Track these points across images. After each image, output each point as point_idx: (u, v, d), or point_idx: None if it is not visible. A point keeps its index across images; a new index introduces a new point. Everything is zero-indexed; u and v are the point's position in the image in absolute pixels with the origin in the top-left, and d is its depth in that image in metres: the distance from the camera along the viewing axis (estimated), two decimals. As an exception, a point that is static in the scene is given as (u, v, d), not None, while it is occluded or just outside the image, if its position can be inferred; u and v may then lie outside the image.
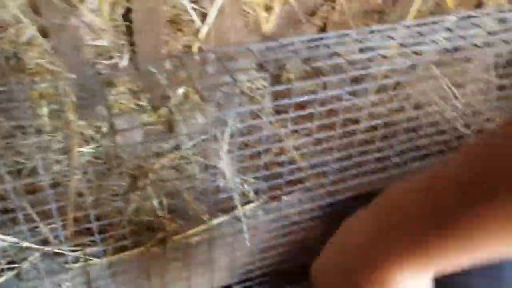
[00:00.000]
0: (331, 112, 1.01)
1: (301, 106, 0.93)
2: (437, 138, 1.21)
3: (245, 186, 1.11)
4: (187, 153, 1.07)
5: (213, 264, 1.12)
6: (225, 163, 0.99)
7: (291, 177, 1.10)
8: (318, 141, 1.06)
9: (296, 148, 1.08)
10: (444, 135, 1.21)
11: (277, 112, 0.98)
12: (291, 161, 1.09)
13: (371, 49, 0.79)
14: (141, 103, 0.75)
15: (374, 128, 1.10)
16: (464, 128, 1.45)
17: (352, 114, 1.03)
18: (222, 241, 1.08)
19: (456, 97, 1.40)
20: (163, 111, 0.86)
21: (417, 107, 1.19)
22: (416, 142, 1.13)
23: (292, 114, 0.92)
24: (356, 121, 1.06)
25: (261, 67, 0.71)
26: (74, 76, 0.66)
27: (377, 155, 1.12)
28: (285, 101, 0.90)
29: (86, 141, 0.78)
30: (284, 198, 1.13)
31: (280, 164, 1.09)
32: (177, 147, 0.94)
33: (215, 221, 1.06)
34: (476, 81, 1.39)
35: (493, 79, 1.37)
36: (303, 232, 1.19)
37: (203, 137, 0.88)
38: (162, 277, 1.08)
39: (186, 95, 1.00)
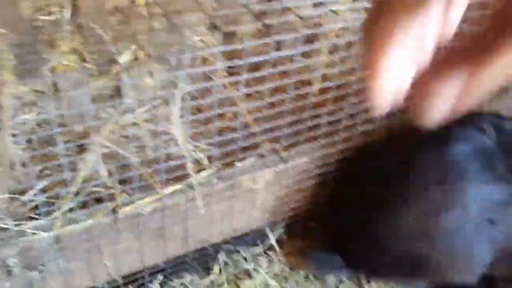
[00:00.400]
0: (284, 74, 1.00)
1: (254, 67, 0.91)
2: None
3: (198, 152, 1.08)
4: (137, 119, 1.02)
5: (166, 234, 1.09)
6: (176, 129, 0.96)
7: (245, 143, 1.09)
8: (271, 105, 1.05)
9: (249, 112, 1.07)
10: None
11: (229, 74, 0.95)
12: (244, 126, 1.07)
13: (323, 4, 0.78)
14: (87, 64, 0.70)
15: (326, 90, 1.09)
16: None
17: (305, 76, 1.02)
18: (175, 210, 1.05)
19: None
20: (110, 72, 0.81)
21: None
22: (367, 104, 1.14)
23: (245, 75, 0.90)
24: (308, 83, 1.06)
25: (212, 23, 0.68)
26: (10, 33, 0.61)
27: (329, 118, 1.12)
28: (238, 61, 0.87)
29: (27, 106, 0.73)
30: (238, 164, 1.12)
31: (233, 129, 1.07)
32: (126, 112, 0.90)
33: (167, 190, 1.03)
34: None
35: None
36: (260, 198, 1.18)
37: (154, 102, 0.85)
38: (113, 249, 1.04)
39: (134, 55, 0.95)
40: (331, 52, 1.14)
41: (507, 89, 1.44)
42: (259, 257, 1.29)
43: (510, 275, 1.22)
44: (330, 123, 1.12)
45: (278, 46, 0.91)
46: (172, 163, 1.02)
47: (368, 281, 1.27)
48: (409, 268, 1.13)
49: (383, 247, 1.12)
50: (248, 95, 1.04)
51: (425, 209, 1.06)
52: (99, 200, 0.99)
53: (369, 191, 1.13)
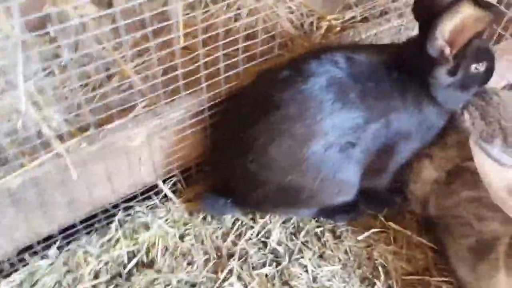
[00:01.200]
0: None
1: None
2: (270, 40, 1.25)
3: (63, 120, 1.10)
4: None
5: (48, 204, 1.12)
6: (23, 97, 0.97)
7: (111, 100, 1.10)
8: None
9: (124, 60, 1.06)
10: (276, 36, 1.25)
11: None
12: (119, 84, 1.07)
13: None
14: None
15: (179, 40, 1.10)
16: (297, 27, 1.51)
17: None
18: (47, 180, 1.07)
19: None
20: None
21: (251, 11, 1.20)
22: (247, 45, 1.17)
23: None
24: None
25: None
26: None
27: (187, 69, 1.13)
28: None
29: None
30: (108, 126, 1.13)
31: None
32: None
33: (35, 162, 1.05)
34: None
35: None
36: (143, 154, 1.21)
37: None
38: (-4, 226, 1.07)
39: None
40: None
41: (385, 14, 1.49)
42: (156, 209, 1.34)
43: (383, 184, 1.31)
44: (188, 73, 1.13)
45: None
46: (38, 134, 1.03)
47: (262, 216, 1.34)
48: (288, 198, 1.20)
49: (260, 182, 1.17)
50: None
51: (290, 143, 1.11)
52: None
53: (240, 133, 1.17)
